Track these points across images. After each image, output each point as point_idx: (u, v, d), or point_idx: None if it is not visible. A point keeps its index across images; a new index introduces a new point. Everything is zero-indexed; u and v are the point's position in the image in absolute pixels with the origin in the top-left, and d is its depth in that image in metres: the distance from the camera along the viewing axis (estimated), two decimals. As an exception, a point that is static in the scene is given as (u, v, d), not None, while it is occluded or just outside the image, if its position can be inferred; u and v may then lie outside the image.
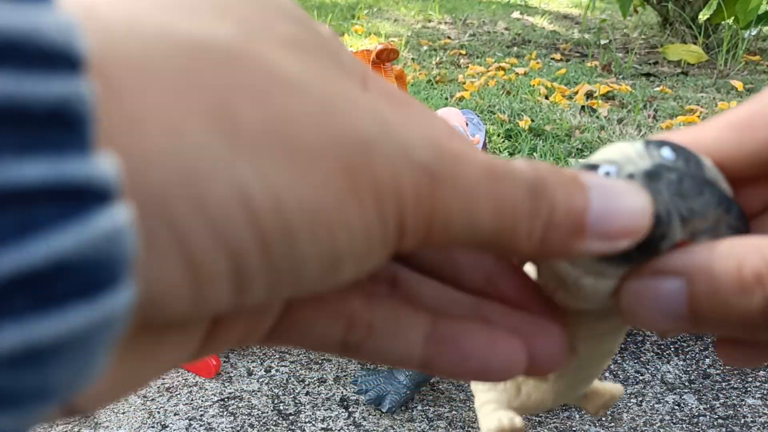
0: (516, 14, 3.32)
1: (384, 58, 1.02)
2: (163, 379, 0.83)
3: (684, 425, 0.79)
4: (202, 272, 0.11)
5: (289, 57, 0.13)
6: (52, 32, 0.09)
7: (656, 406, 0.82)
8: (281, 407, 0.80)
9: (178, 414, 0.77)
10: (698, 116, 1.78)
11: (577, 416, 0.80)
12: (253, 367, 0.86)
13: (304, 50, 0.14)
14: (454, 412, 0.81)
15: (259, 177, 0.11)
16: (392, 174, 0.13)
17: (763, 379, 0.88)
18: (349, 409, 0.80)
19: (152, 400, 0.79)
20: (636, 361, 0.91)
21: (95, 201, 0.09)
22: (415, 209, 0.13)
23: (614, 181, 0.16)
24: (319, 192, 0.12)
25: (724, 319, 0.15)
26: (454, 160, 0.14)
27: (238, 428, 0.76)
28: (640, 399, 0.84)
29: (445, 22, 3.13)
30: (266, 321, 0.16)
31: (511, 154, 1.54)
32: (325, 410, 0.80)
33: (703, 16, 2.64)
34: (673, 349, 0.94)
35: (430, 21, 3.14)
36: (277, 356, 0.89)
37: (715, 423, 0.80)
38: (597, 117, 1.83)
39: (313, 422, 0.78)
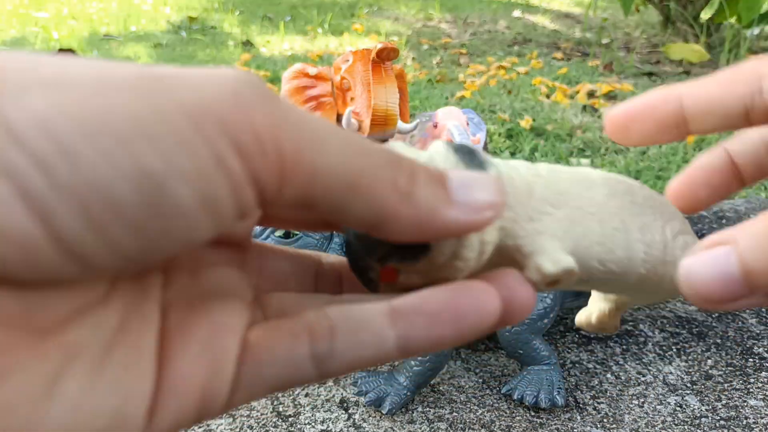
0: (517, 13, 3.31)
1: (384, 57, 1.02)
2: (162, 380, 0.83)
3: (686, 426, 0.79)
4: None
5: None
6: None
7: (658, 407, 0.82)
8: (280, 408, 0.80)
9: (176, 415, 0.77)
10: (700, 115, 1.77)
11: (579, 417, 0.80)
12: (253, 368, 0.86)
13: None
14: (454, 414, 0.81)
15: (17, 107, 0.12)
16: (194, 94, 0.13)
17: (766, 380, 0.88)
18: (349, 411, 0.80)
19: (151, 401, 0.79)
20: (638, 362, 0.91)
21: None
22: (241, 126, 0.13)
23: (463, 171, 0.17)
24: (94, 109, 0.12)
25: None
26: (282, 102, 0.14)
27: (237, 430, 0.76)
28: (642, 400, 0.83)
29: (446, 21, 3.13)
30: (227, 363, 0.16)
31: (512, 154, 1.54)
32: (325, 412, 0.80)
33: (705, 15, 2.63)
34: (675, 350, 0.94)
35: (430, 20, 3.14)
36: (276, 357, 0.88)
37: (717, 424, 0.79)
38: (599, 116, 1.83)
39: (313, 424, 0.77)
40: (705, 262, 0.18)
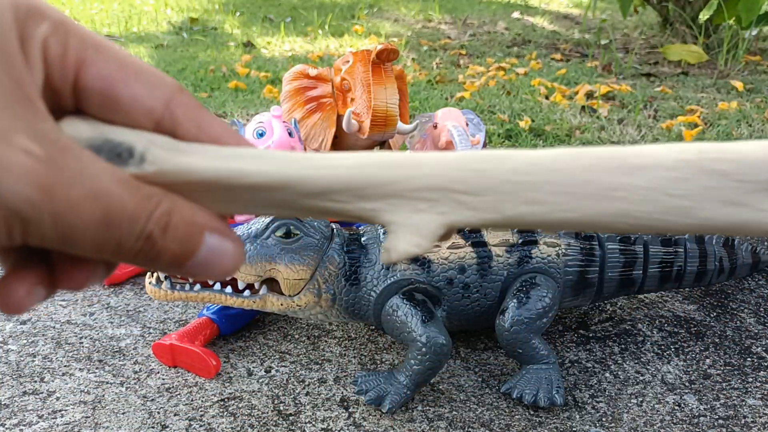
0: (516, 14, 3.32)
1: (384, 58, 1.02)
2: (163, 379, 0.83)
3: (684, 425, 0.79)
4: None
5: None
6: None
7: (656, 406, 0.82)
8: (281, 408, 0.80)
9: (178, 414, 0.77)
10: (698, 116, 1.78)
11: (577, 416, 0.81)
12: (253, 367, 0.86)
13: None
14: (454, 413, 0.81)
15: None
16: None
17: (764, 379, 0.88)
18: (350, 410, 0.80)
19: (152, 400, 0.79)
20: (636, 361, 0.91)
21: None
22: (7, 235, 0.18)
23: (226, 245, 0.21)
24: None
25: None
26: (59, 207, 0.18)
27: (238, 429, 0.76)
28: (641, 399, 0.84)
29: (446, 22, 3.13)
30: None
31: (511, 155, 1.54)
32: (326, 410, 0.80)
33: (703, 16, 2.64)
34: (673, 349, 0.94)
35: (430, 21, 3.14)
36: (277, 356, 0.89)
37: (716, 423, 0.80)
38: (597, 117, 1.83)
39: (314, 422, 0.78)
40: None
